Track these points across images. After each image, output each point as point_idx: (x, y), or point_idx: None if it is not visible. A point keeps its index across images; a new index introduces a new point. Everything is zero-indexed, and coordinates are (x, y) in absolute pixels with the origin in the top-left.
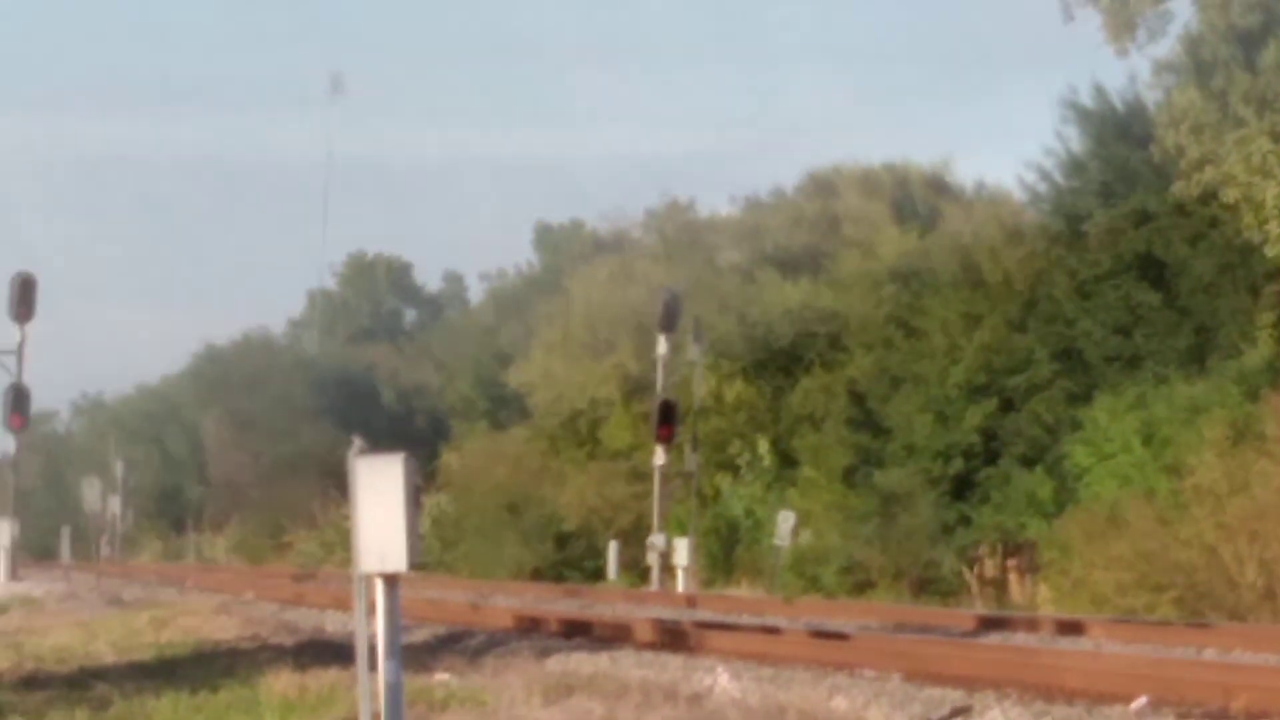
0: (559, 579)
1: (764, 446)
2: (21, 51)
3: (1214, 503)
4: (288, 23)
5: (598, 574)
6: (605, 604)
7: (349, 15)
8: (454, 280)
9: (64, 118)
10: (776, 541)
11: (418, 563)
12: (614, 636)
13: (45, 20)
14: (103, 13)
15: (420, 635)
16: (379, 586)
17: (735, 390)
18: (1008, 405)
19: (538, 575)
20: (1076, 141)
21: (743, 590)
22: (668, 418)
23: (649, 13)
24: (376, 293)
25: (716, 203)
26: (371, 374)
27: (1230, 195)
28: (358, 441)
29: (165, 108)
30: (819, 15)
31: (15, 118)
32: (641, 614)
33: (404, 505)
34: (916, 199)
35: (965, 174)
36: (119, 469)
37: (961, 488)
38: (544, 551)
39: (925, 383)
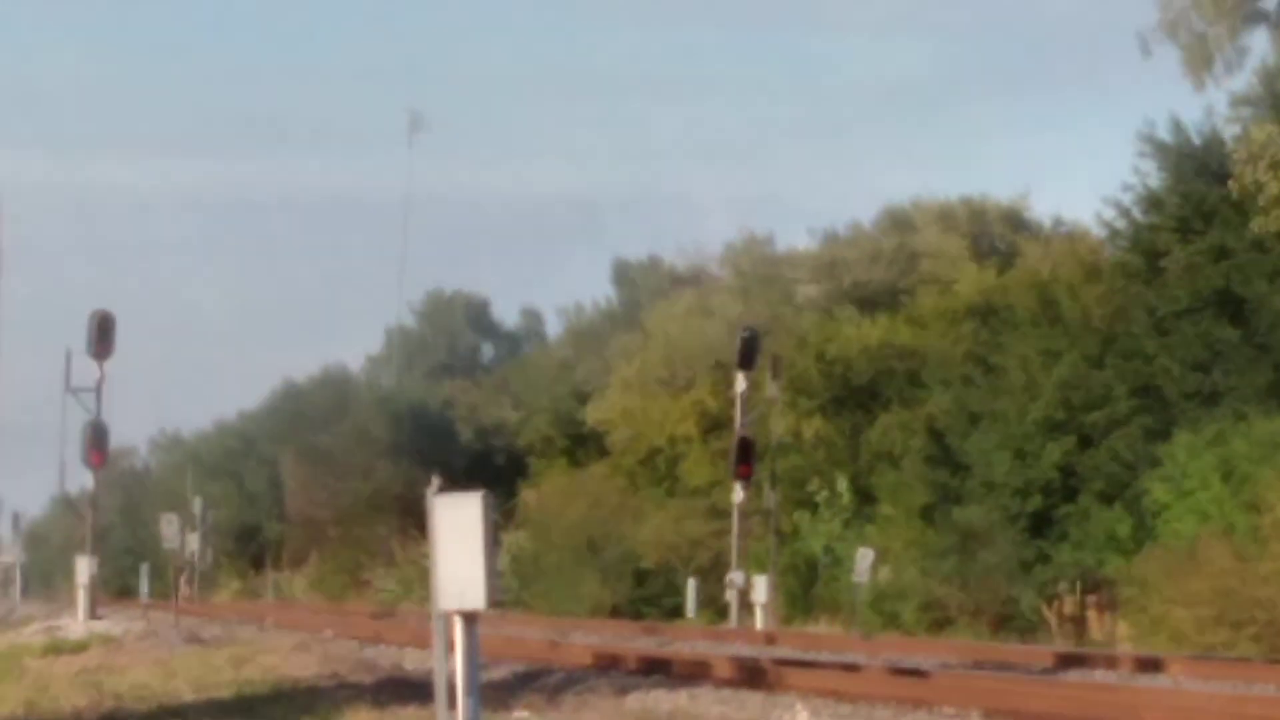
0: (637, 616)
1: (843, 483)
2: (108, 93)
3: None
4: (367, 61)
5: (676, 611)
6: (684, 641)
7: (427, 53)
8: (531, 316)
9: (146, 157)
10: (855, 578)
11: (496, 600)
12: (693, 674)
13: (131, 62)
14: (187, 55)
15: (499, 673)
16: (458, 624)
17: (813, 427)
18: (1086, 442)
19: (616, 613)
20: (1154, 177)
21: (821, 627)
22: (746, 455)
23: (722, 50)
24: (454, 329)
25: (794, 237)
26: (449, 411)
27: None
28: (436, 480)
29: (246, 147)
30: (893, 50)
31: (98, 157)
32: (720, 651)
33: (483, 543)
34: (994, 234)
35: (1043, 209)
36: (197, 506)
37: (1040, 524)
38: (622, 589)
39: (1004, 419)
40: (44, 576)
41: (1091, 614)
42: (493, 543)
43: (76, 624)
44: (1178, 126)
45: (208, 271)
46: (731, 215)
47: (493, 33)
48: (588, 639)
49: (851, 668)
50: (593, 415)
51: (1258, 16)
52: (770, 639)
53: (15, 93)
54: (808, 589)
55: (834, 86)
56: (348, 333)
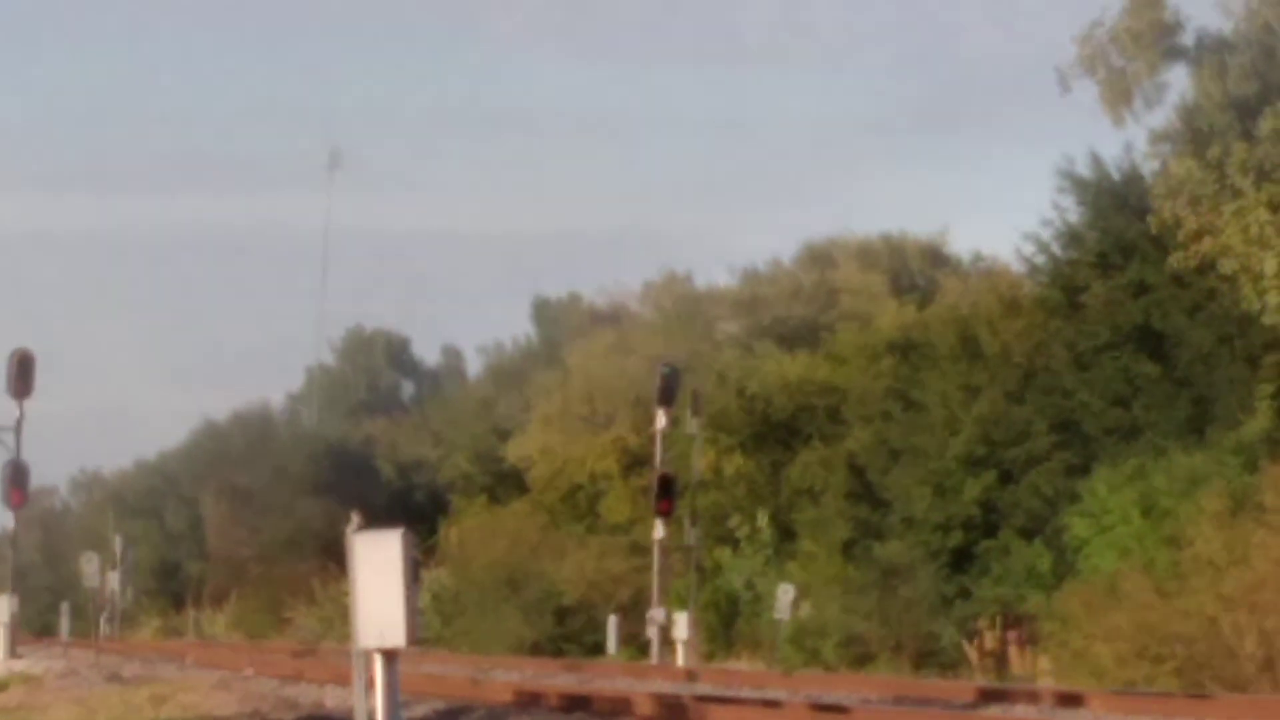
0: (559, 653)
1: (764, 519)
2: (14, 129)
3: (1213, 574)
4: (284, 98)
5: (597, 648)
6: (605, 678)
7: (345, 90)
8: (452, 354)
9: (63, 194)
10: (776, 615)
11: (417, 638)
12: (614, 711)
13: (46, 98)
14: (100, 91)
15: (419, 710)
16: (378, 662)
17: (734, 464)
18: (1007, 477)
19: (537, 650)
20: (1074, 212)
21: (743, 664)
22: (667, 491)
23: (639, 86)
24: (374, 367)
25: (714, 274)
26: (370, 449)
27: (1228, 266)
28: (356, 517)
29: (162, 184)
30: (811, 87)
31: (15, 194)
32: (642, 688)
33: (403, 581)
34: (914, 270)
35: (962, 245)
36: (118, 544)
37: (961, 560)
38: (544, 626)
39: (924, 455)
40: None
41: (1012, 649)
42: (413, 580)
43: None
44: (1097, 162)
45: (127, 310)
46: (651, 252)
47: (411, 70)
48: (509, 676)
49: (773, 704)
50: (513, 452)
51: (1176, 52)
52: (692, 676)
53: None
54: (729, 625)
55: (752, 123)
56: (268, 371)
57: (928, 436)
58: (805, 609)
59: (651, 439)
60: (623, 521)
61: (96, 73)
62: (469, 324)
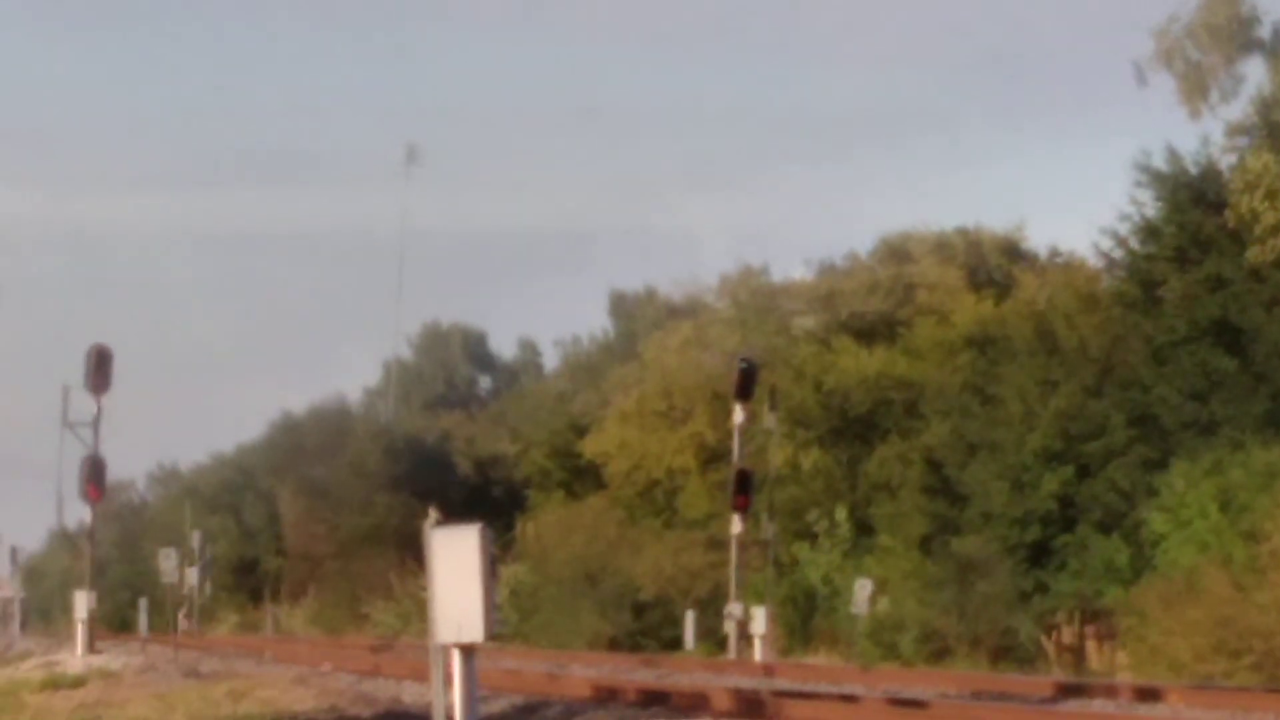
0: (636, 648)
1: (842, 514)
2: (102, 129)
3: None
4: (363, 95)
5: (675, 643)
6: (682, 673)
7: (423, 86)
8: (528, 348)
9: (141, 193)
10: (854, 609)
11: (495, 633)
12: (691, 706)
13: (130, 97)
14: (185, 90)
15: (497, 705)
16: (456, 657)
17: (811, 458)
18: (1084, 472)
19: (615, 645)
20: (1151, 206)
21: (820, 658)
22: (744, 486)
23: (718, 80)
24: (451, 361)
25: (790, 268)
26: (447, 443)
27: None
28: (434, 513)
29: (243, 181)
30: (889, 80)
31: (97, 193)
32: (719, 683)
33: (480, 576)
34: (991, 265)
35: (1039, 239)
36: (196, 540)
37: (1038, 555)
38: (621, 621)
39: (1001, 450)
40: (42, 611)
41: (1090, 644)
42: (491, 575)
43: (75, 659)
44: (1174, 156)
45: (205, 305)
46: (727, 246)
47: (489, 65)
48: (586, 671)
49: (850, 699)
50: (590, 448)
51: (1253, 45)
52: (769, 671)
53: (14, 128)
54: (806, 620)
55: (830, 117)
56: (345, 366)
57: (1005, 431)
58: (883, 604)
59: (729, 434)
60: (700, 516)
61: (178, 71)
62: (545, 318)
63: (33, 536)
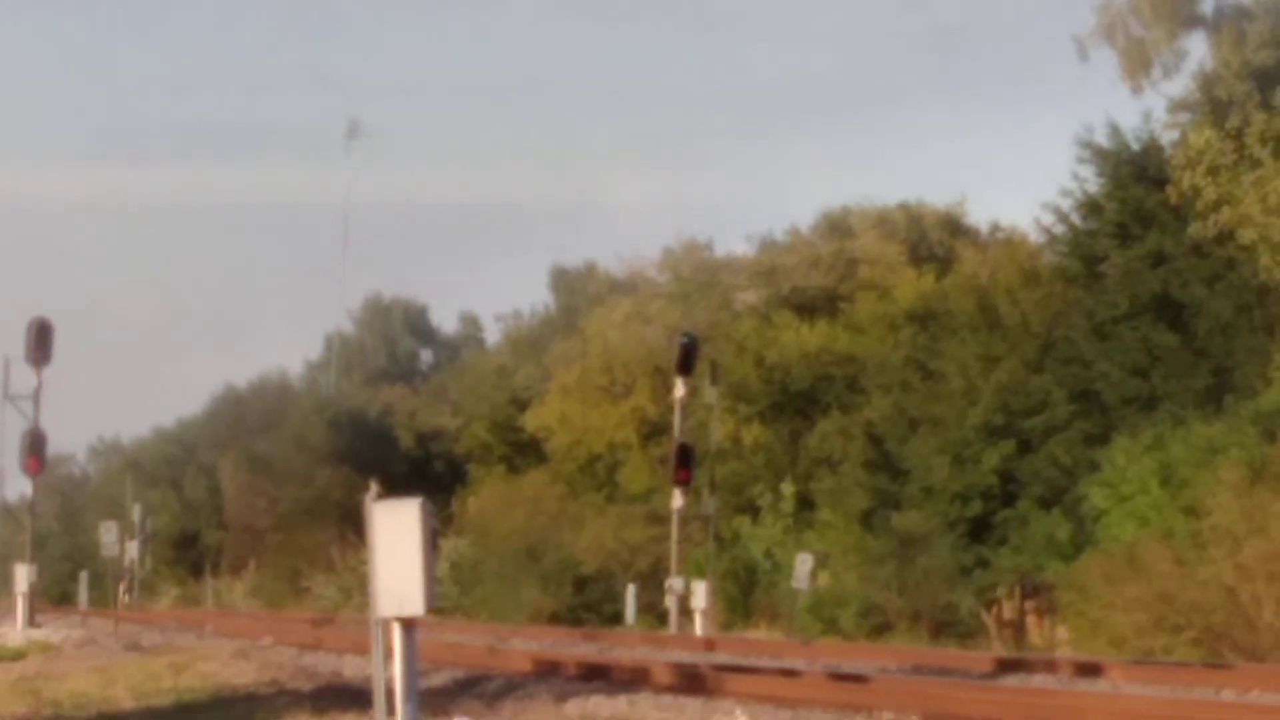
0: (577, 623)
1: (787, 489)
2: (39, 101)
3: (1231, 543)
4: (303, 68)
5: (616, 618)
6: (624, 647)
7: (364, 60)
8: (470, 322)
9: (80, 165)
10: (795, 584)
11: (435, 606)
12: (632, 680)
13: (66, 71)
14: (122, 62)
15: (438, 679)
16: (396, 630)
17: (753, 433)
18: (1025, 447)
19: (556, 619)
20: (1093, 182)
21: (761, 633)
22: (685, 461)
23: (658, 54)
24: (393, 334)
25: (732, 242)
26: (388, 417)
27: (1247, 235)
28: (374, 486)
29: (181, 155)
30: (829, 54)
31: (32, 166)
32: (660, 657)
33: (421, 549)
34: (932, 240)
35: (980, 214)
36: (136, 513)
37: (979, 530)
38: (562, 595)
39: (943, 425)
40: None
41: (1031, 619)
42: (431, 549)
43: (15, 632)
44: (1116, 132)
45: (147, 278)
46: (669, 221)
47: (430, 39)
48: (527, 645)
49: (791, 673)
50: (532, 422)
51: (1195, 20)
52: (710, 645)
53: None
54: (747, 595)
55: (770, 91)
56: (287, 339)
57: (946, 406)
58: (823, 578)
59: (670, 408)
60: (641, 491)
61: (114, 39)
62: (487, 292)
63: None
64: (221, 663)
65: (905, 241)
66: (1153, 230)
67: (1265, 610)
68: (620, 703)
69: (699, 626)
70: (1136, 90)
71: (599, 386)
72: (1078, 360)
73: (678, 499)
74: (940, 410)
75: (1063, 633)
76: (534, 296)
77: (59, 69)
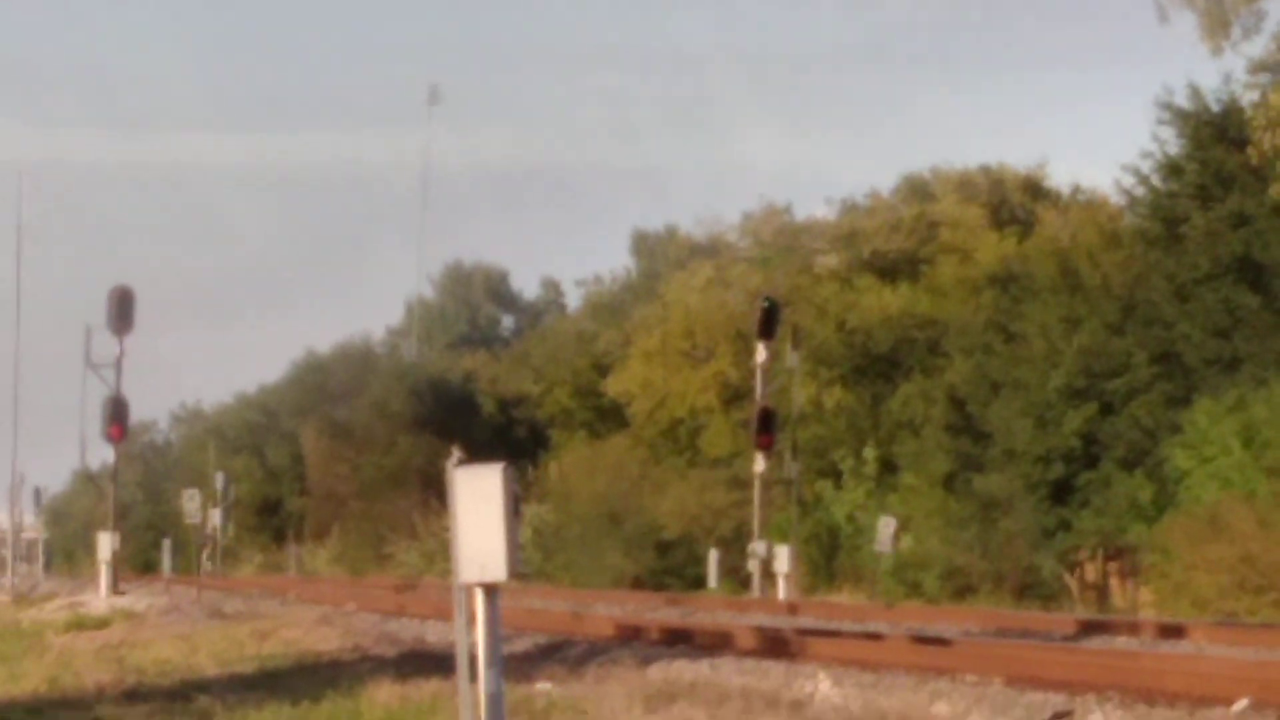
0: (660, 587)
1: (869, 452)
2: (124, 70)
3: None
4: (385, 35)
5: (698, 582)
6: (706, 612)
7: (445, 26)
8: (550, 287)
9: (164, 133)
10: (877, 548)
11: (517, 572)
12: (715, 644)
13: (150, 40)
14: (204, 32)
15: (521, 645)
16: (479, 596)
17: (834, 397)
18: (1107, 409)
19: (638, 584)
20: (1173, 144)
21: (844, 597)
22: (767, 425)
23: (741, 18)
24: (474, 300)
25: (812, 206)
26: (470, 383)
27: None
28: (456, 452)
29: (265, 122)
30: (911, 20)
31: (116, 133)
32: (742, 621)
33: (503, 515)
34: (1013, 203)
35: (1061, 177)
36: (219, 480)
37: (1062, 492)
38: (645, 560)
39: (1025, 388)
40: (66, 552)
41: (1113, 581)
42: (514, 515)
43: (99, 600)
44: (1196, 93)
45: (228, 246)
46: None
47: (509, 4)
48: (610, 610)
49: (874, 637)
50: (613, 387)
51: None
52: (792, 609)
53: (35, 72)
54: (830, 559)
55: (853, 55)
56: (368, 305)
57: (1028, 369)
58: (906, 542)
59: (751, 373)
60: (723, 455)
61: (200, 11)
62: (568, 257)
63: (56, 478)
64: (304, 629)
65: (986, 204)
66: (1233, 191)
67: None
68: (703, 667)
69: (782, 591)
70: (1216, 51)
71: (680, 351)
72: (1159, 322)
73: (760, 463)
74: (1021, 373)
75: (1145, 595)
76: (614, 261)
77: (152, 39)
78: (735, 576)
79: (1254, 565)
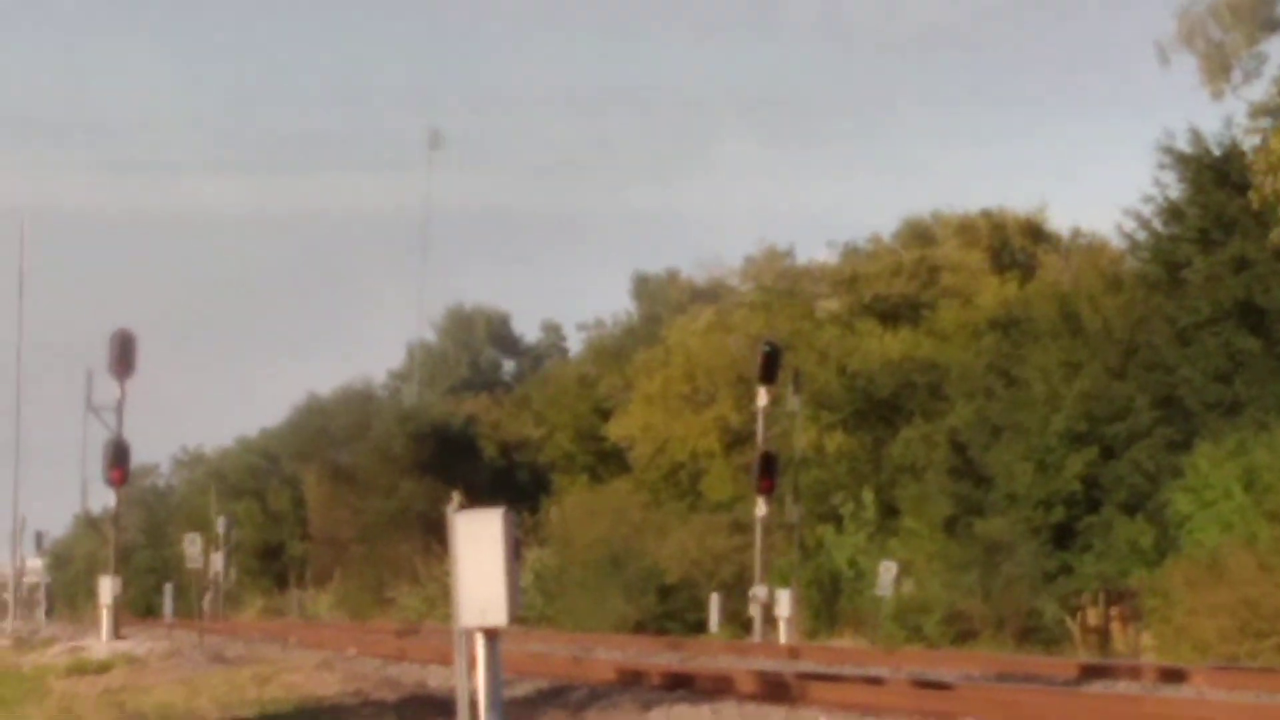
0: (661, 632)
1: (868, 497)
2: (123, 115)
3: None
4: (386, 79)
5: (700, 626)
6: (707, 656)
7: (445, 70)
8: (552, 330)
9: (164, 177)
10: (879, 592)
11: (518, 616)
12: (716, 688)
13: (145, 82)
14: (208, 77)
15: (522, 689)
16: (480, 641)
17: (836, 441)
18: (1108, 453)
19: (640, 628)
20: (1174, 187)
21: (845, 641)
22: (769, 469)
23: (736, 63)
24: (475, 344)
25: (813, 249)
26: (471, 427)
27: None
28: (457, 496)
29: (266, 166)
30: (913, 63)
31: (116, 178)
32: (744, 666)
33: (504, 559)
34: (1014, 246)
35: (1062, 221)
36: (220, 524)
37: (1063, 536)
38: (646, 604)
39: (1026, 432)
40: (68, 596)
41: (1115, 625)
42: (514, 559)
43: (100, 644)
44: (1196, 137)
45: (227, 288)
46: (751, 228)
47: (510, 49)
48: (611, 655)
49: (875, 681)
50: (615, 431)
51: (1275, 24)
52: (794, 653)
53: (36, 118)
54: (831, 603)
55: (854, 98)
56: (369, 349)
57: (1029, 413)
58: (908, 586)
59: (753, 417)
60: (725, 499)
61: (200, 55)
62: (569, 301)
63: (58, 521)
64: (306, 674)
65: (987, 248)
66: (1235, 235)
67: None
68: (704, 711)
69: (783, 635)
70: (1217, 95)
71: (681, 395)
72: (1160, 366)
73: (761, 507)
74: (1023, 417)
75: (1147, 639)
76: (616, 305)
77: (149, 83)
78: (736, 621)
79: (1255, 610)
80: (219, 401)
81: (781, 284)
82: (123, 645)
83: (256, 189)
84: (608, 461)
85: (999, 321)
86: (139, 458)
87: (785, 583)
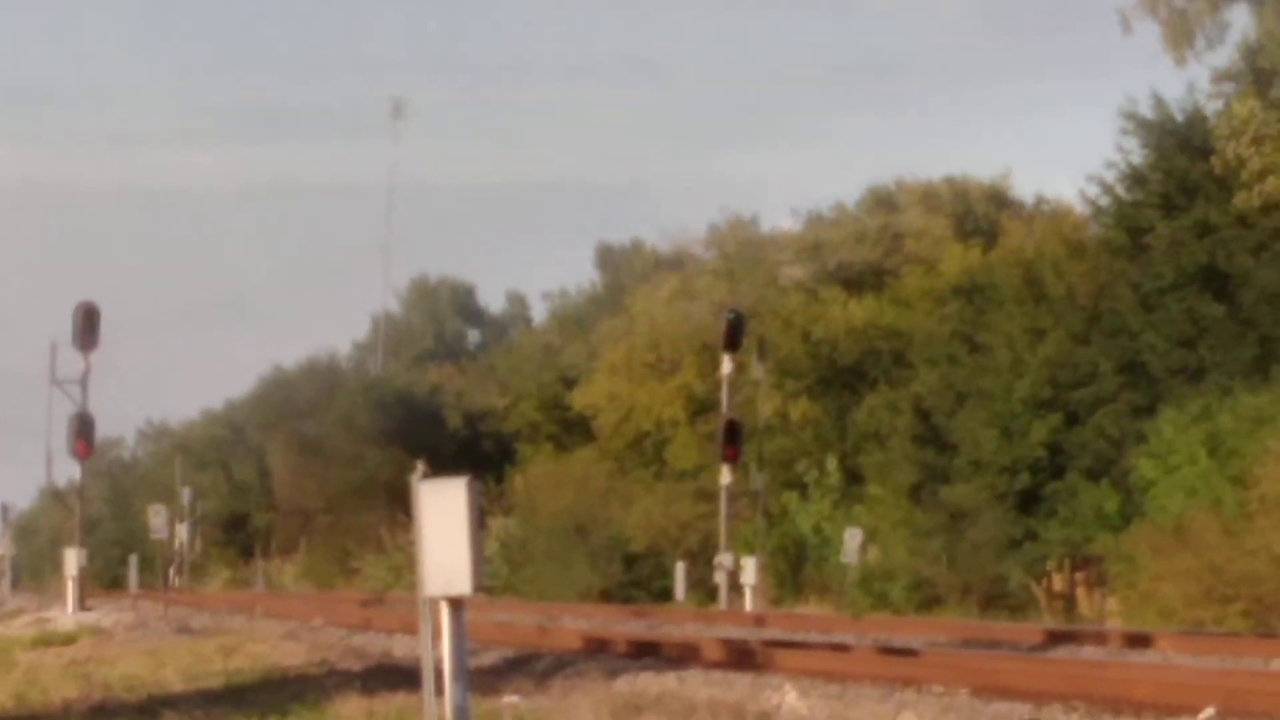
0: (627, 600)
1: (832, 464)
2: (81, 84)
3: None
4: (347, 50)
5: (665, 594)
6: (673, 624)
7: (411, 40)
8: (517, 301)
9: (127, 149)
10: (844, 559)
11: (482, 586)
12: (682, 656)
13: (106, 53)
14: (171, 47)
15: (488, 658)
16: (445, 610)
17: (800, 408)
18: (1073, 419)
19: (605, 596)
20: (1137, 153)
21: (811, 608)
22: (733, 437)
23: (702, 32)
24: (440, 315)
25: (778, 218)
26: (436, 397)
27: None
28: (420, 466)
29: (230, 136)
30: (874, 32)
31: (77, 149)
32: (709, 633)
33: (468, 529)
34: (977, 213)
35: (1025, 188)
36: (186, 496)
37: (1028, 502)
38: (611, 573)
39: (990, 398)
40: (33, 569)
41: (1080, 591)
42: (479, 528)
43: (66, 616)
44: (1160, 103)
45: (193, 261)
46: (715, 197)
47: (474, 18)
48: (577, 623)
49: (841, 648)
50: (579, 400)
51: None
52: (759, 621)
53: (7, 87)
54: (797, 570)
55: (816, 68)
56: (334, 320)
57: (993, 379)
58: (873, 553)
59: (717, 385)
60: (689, 468)
61: (162, 24)
62: (534, 271)
63: (23, 494)
64: (271, 644)
65: (951, 215)
66: (1198, 201)
67: None
68: (670, 679)
69: (749, 602)
70: (1180, 62)
71: (646, 364)
72: (1124, 332)
73: (726, 475)
74: (987, 383)
75: (1112, 604)
76: (580, 275)
77: (109, 54)
78: (702, 588)
79: (1220, 574)
80: (184, 374)
81: (745, 253)
82: (88, 617)
83: (219, 160)
84: (572, 430)
85: (963, 288)
86: (104, 431)
87: (751, 550)
